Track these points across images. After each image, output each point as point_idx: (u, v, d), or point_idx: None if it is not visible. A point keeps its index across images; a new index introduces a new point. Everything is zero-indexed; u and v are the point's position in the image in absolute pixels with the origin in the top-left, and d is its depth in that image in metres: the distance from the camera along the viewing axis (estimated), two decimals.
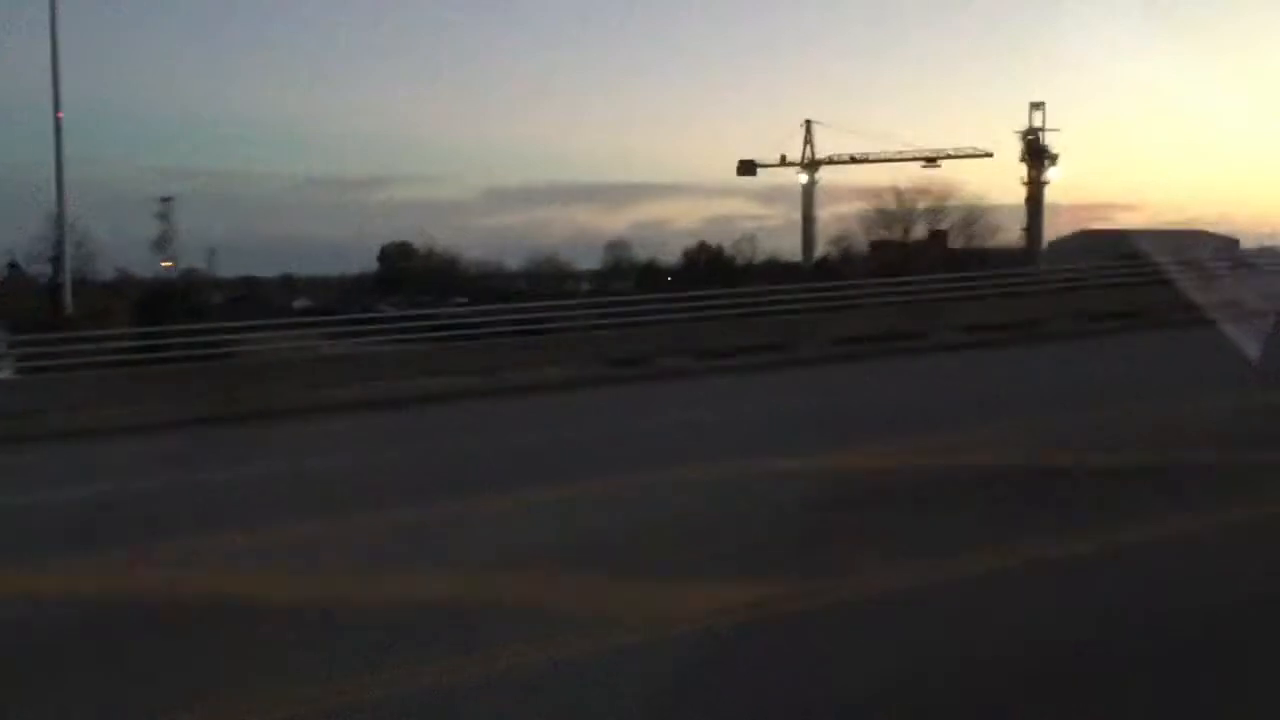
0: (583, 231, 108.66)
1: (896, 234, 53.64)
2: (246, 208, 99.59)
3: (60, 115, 36.94)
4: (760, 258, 53.03)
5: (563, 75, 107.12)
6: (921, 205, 54.65)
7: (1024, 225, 59.64)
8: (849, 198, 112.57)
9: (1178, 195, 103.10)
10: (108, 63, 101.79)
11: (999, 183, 64.87)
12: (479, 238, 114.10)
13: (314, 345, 22.66)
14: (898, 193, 56.09)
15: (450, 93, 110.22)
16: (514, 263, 67.34)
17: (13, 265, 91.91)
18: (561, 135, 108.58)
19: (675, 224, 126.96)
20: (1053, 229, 63.39)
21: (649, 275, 45.43)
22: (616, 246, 56.35)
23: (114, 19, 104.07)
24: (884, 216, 55.39)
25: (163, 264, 56.60)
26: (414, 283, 62.93)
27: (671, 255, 62.88)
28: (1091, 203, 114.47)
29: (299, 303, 73.67)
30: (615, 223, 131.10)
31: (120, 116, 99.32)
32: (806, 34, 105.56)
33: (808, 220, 64.76)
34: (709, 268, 46.09)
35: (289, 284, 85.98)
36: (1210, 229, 57.16)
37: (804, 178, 64.88)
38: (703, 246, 49.91)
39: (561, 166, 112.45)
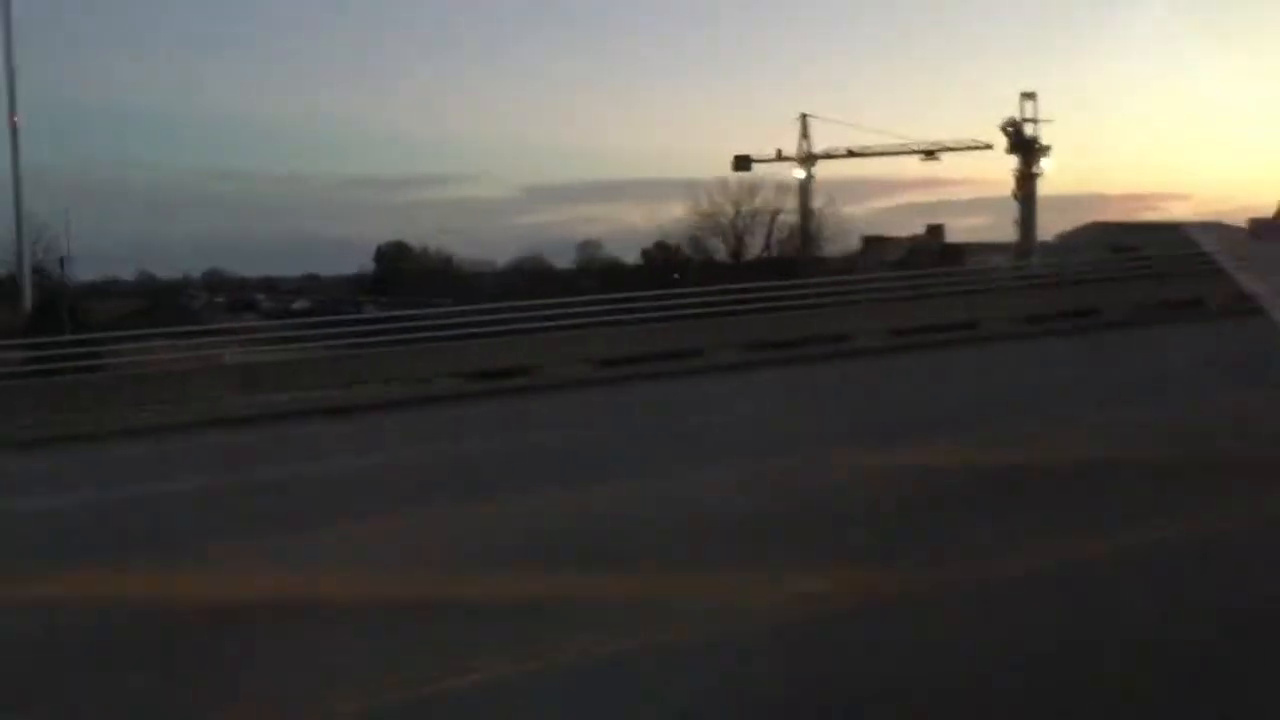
0: (621, 228, 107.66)
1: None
2: (281, 208, 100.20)
3: (16, 118, 36.44)
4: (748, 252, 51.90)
5: (599, 72, 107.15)
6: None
7: (1016, 218, 58.36)
8: (851, 192, 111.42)
9: (1228, 185, 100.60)
10: (141, 62, 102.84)
11: (1001, 176, 63.43)
12: (518, 236, 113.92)
13: (218, 354, 22.22)
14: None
15: (490, 92, 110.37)
16: (554, 260, 65.20)
17: (36, 270, 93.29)
18: (601, 132, 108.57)
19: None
20: (1088, 220, 61.48)
21: (613, 274, 44.79)
22: (589, 245, 55.82)
23: (145, 18, 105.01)
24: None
25: None
26: (409, 282, 62.67)
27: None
28: (1141, 193, 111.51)
29: (298, 304, 73.91)
30: (654, 218, 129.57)
31: (154, 117, 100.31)
32: (804, 25, 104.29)
33: (805, 215, 63.74)
34: (665, 266, 45.36)
35: (313, 284, 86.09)
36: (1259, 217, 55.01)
37: (800, 172, 63.83)
38: (659, 245, 49.03)
39: (602, 163, 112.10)
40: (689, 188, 52.15)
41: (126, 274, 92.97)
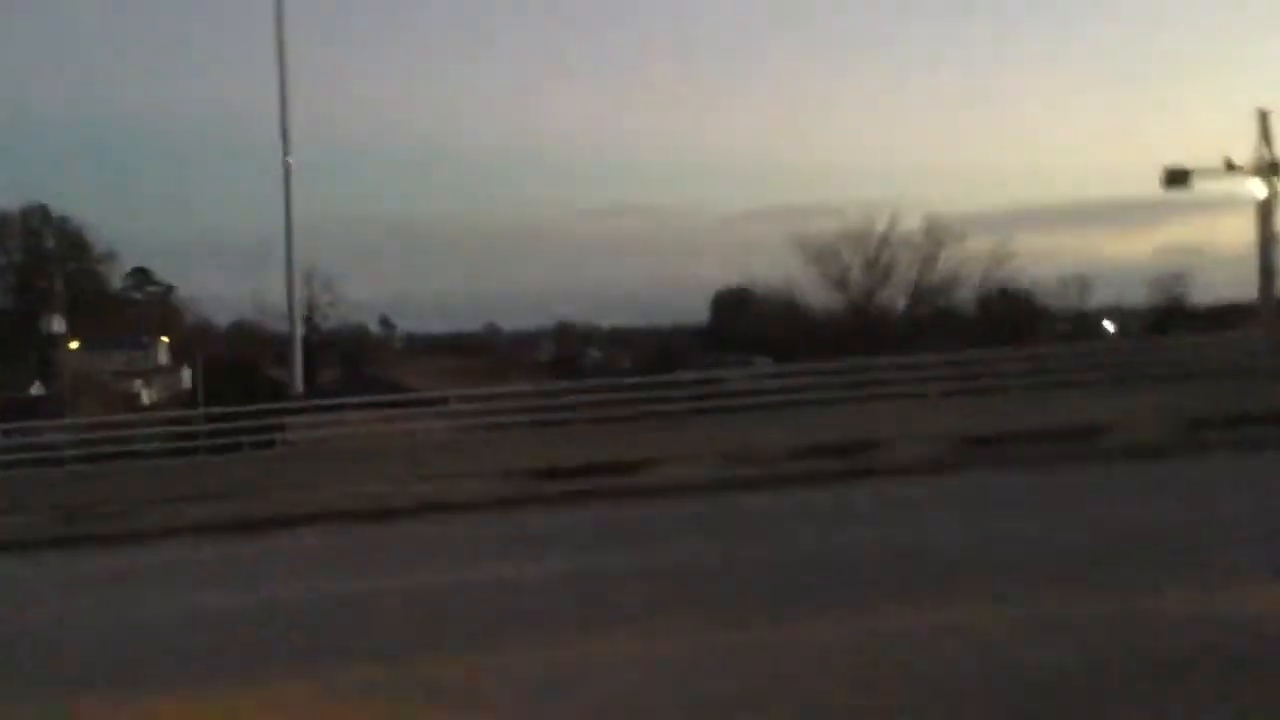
0: (1098, 259, 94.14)
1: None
2: (644, 250, 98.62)
3: (290, 161, 34.47)
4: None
5: (1021, 85, 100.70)
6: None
7: None
8: None
9: None
10: (553, 105, 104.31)
11: None
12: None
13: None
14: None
15: (897, 117, 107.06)
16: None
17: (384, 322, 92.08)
18: (1025, 150, 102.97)
19: (1214, 249, 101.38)
20: None
21: (952, 322, 32.71)
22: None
23: (544, 60, 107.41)
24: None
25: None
26: (746, 333, 53.14)
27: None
28: None
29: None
30: (1139, 248, 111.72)
31: (557, 157, 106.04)
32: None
33: (1266, 244, 48.15)
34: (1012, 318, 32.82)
35: (651, 336, 79.10)
36: None
37: (1260, 189, 48.23)
38: (1003, 293, 36.34)
39: (1023, 185, 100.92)
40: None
41: (475, 326, 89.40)
